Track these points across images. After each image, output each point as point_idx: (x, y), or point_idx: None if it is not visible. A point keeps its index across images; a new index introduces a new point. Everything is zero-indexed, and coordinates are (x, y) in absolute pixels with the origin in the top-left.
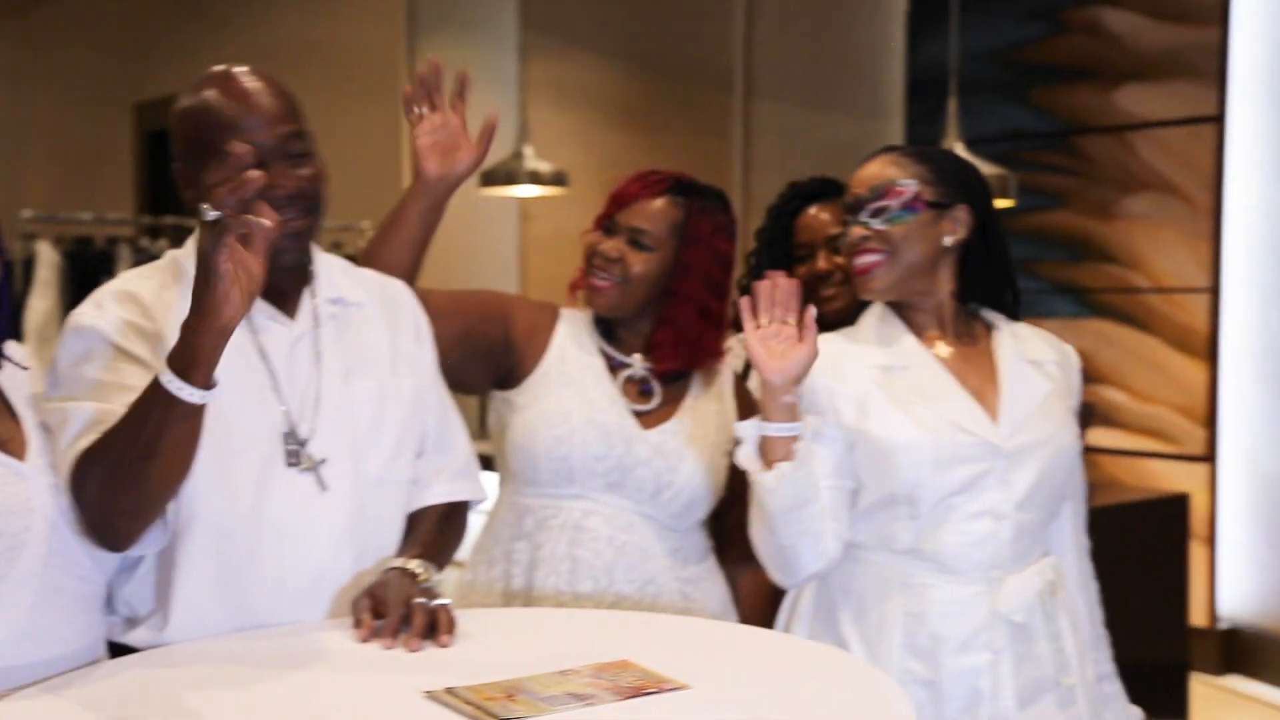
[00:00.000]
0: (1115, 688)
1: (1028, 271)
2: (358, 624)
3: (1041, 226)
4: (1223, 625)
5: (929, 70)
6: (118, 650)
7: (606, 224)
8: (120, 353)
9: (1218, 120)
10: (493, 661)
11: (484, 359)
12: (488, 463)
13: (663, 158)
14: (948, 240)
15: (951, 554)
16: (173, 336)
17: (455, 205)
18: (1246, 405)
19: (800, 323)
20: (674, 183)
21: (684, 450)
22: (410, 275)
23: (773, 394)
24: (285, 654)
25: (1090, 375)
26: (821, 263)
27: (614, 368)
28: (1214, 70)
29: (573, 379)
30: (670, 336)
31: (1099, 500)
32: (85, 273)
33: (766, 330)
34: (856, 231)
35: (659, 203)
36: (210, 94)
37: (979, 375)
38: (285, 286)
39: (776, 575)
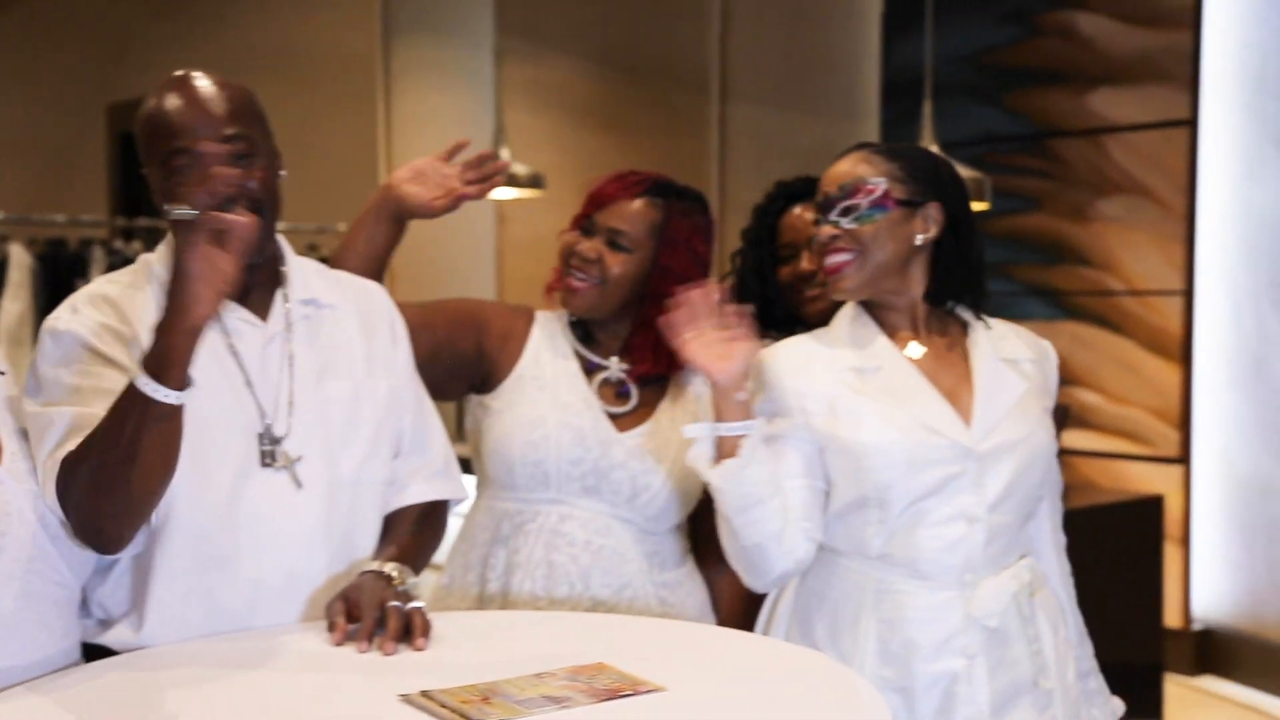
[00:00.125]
0: (1098, 683)
1: (1002, 274)
2: (332, 627)
3: (1016, 229)
4: (1197, 626)
5: (904, 73)
6: (91, 652)
7: (584, 224)
8: (97, 356)
9: (1190, 124)
10: (468, 664)
11: (457, 370)
12: (465, 466)
13: (639, 160)
14: (919, 239)
15: (924, 559)
16: (147, 339)
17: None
18: (1220, 407)
19: (733, 322)
20: (652, 184)
21: (661, 453)
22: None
23: (724, 394)
24: (263, 657)
25: (1065, 377)
26: (805, 263)
27: (590, 370)
28: (1186, 74)
29: (547, 383)
30: (650, 340)
31: (1074, 502)
32: (58, 275)
33: (703, 337)
34: (826, 231)
35: (638, 204)
36: (159, 99)
37: (952, 375)
38: (257, 288)
39: (746, 578)
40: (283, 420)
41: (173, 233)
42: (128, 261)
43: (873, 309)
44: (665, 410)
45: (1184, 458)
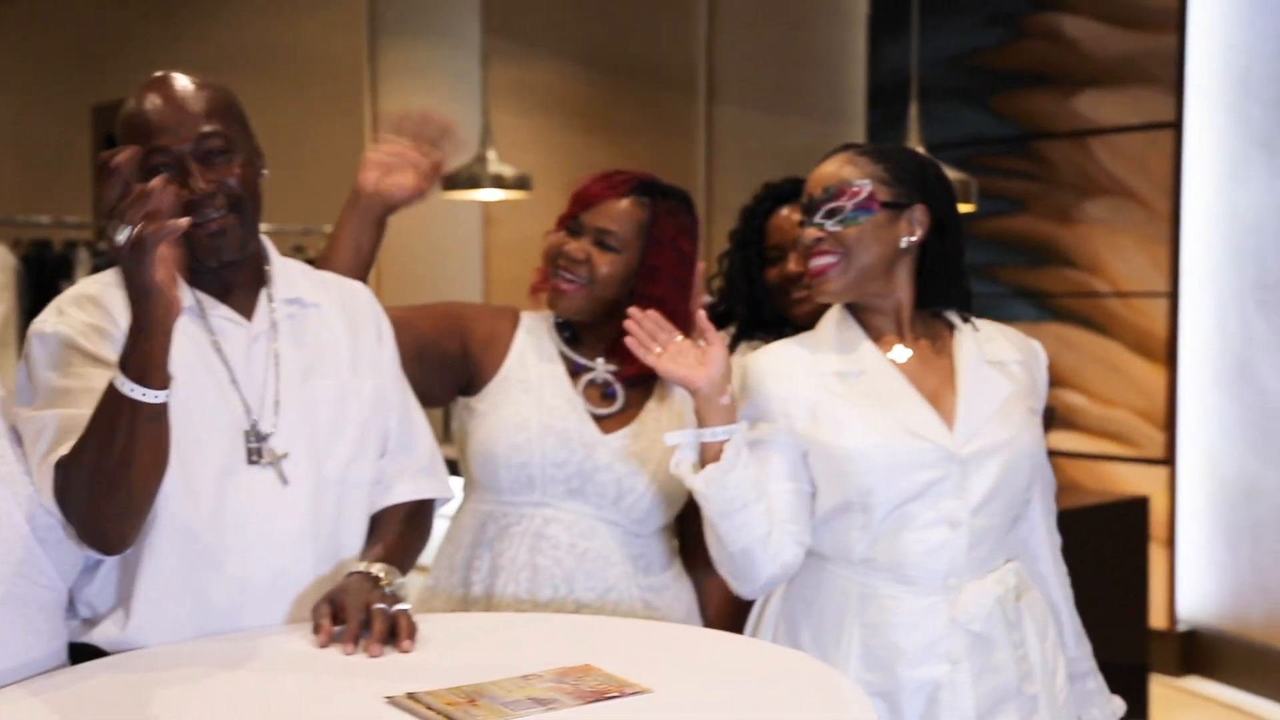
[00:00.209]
0: (1098, 683)
1: (988, 276)
2: (317, 629)
3: (1002, 231)
4: (1182, 627)
5: (890, 75)
6: (77, 651)
7: (570, 225)
8: (85, 356)
9: (1175, 126)
10: (455, 666)
11: (443, 373)
12: (452, 468)
13: (626, 161)
14: (904, 241)
15: (907, 563)
16: None
17: (418, 209)
18: (1205, 408)
19: (692, 333)
20: (639, 183)
21: (646, 455)
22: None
23: (707, 400)
24: (251, 658)
25: (1051, 379)
26: (793, 264)
27: (576, 372)
28: (1171, 77)
29: (532, 385)
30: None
31: (1059, 503)
32: (43, 276)
33: (667, 352)
34: (810, 233)
35: (625, 203)
36: (137, 100)
37: (937, 378)
38: (241, 288)
39: (734, 584)
40: (269, 418)
41: (118, 253)
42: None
43: (858, 312)
44: (651, 412)
45: (1169, 459)
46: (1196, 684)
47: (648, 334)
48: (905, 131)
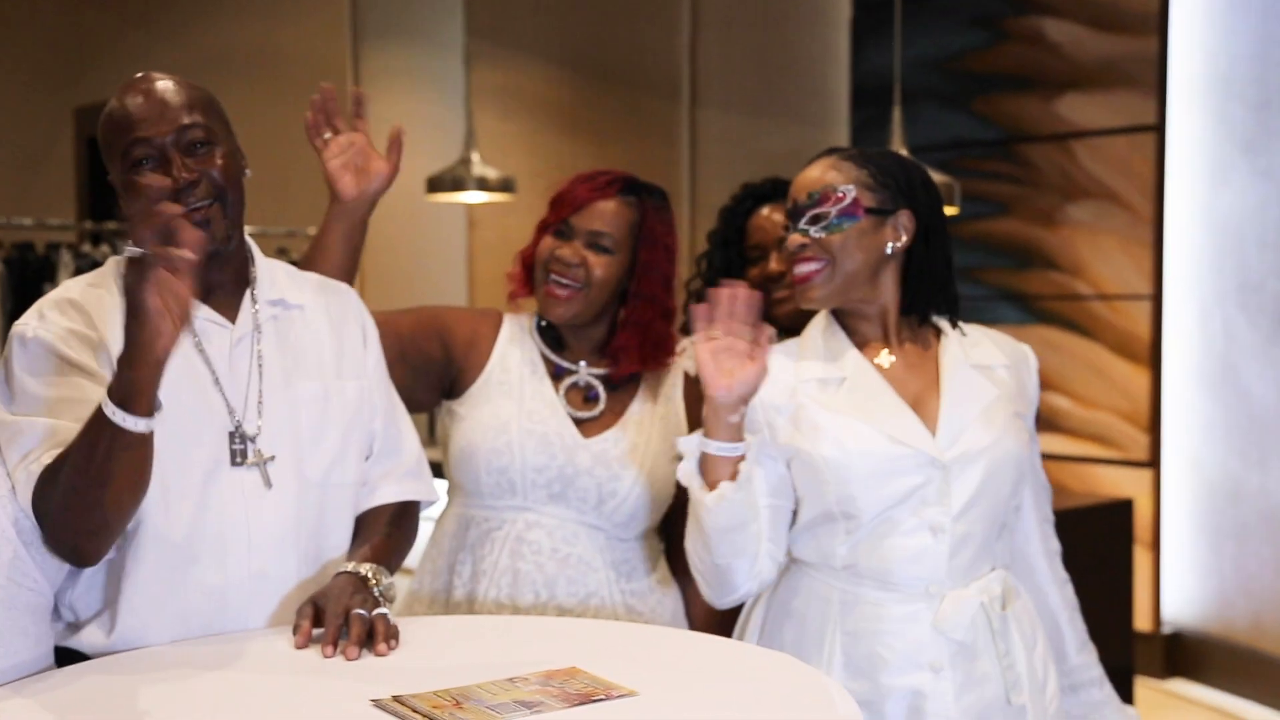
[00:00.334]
0: (1105, 693)
1: (972, 279)
2: (296, 630)
3: (985, 234)
4: (1166, 629)
5: (873, 78)
6: (59, 655)
7: (559, 229)
8: (65, 363)
9: (1157, 129)
10: (441, 669)
11: (425, 377)
12: (437, 470)
13: (610, 164)
14: (890, 247)
15: (889, 569)
16: (115, 344)
17: (403, 212)
18: (1188, 411)
19: (754, 338)
20: (624, 183)
21: (627, 458)
22: None
23: (718, 412)
24: (238, 660)
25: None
26: (773, 264)
27: (558, 375)
28: (1153, 80)
29: (513, 388)
30: (635, 339)
31: None
32: (25, 279)
33: (718, 344)
34: (795, 239)
35: (614, 204)
36: (117, 98)
37: (921, 383)
38: (224, 289)
39: (708, 593)
40: (252, 420)
41: (125, 268)
42: (95, 265)
43: (844, 317)
44: (634, 415)
45: (1153, 461)
46: (1181, 686)
47: (727, 310)
48: (888, 134)
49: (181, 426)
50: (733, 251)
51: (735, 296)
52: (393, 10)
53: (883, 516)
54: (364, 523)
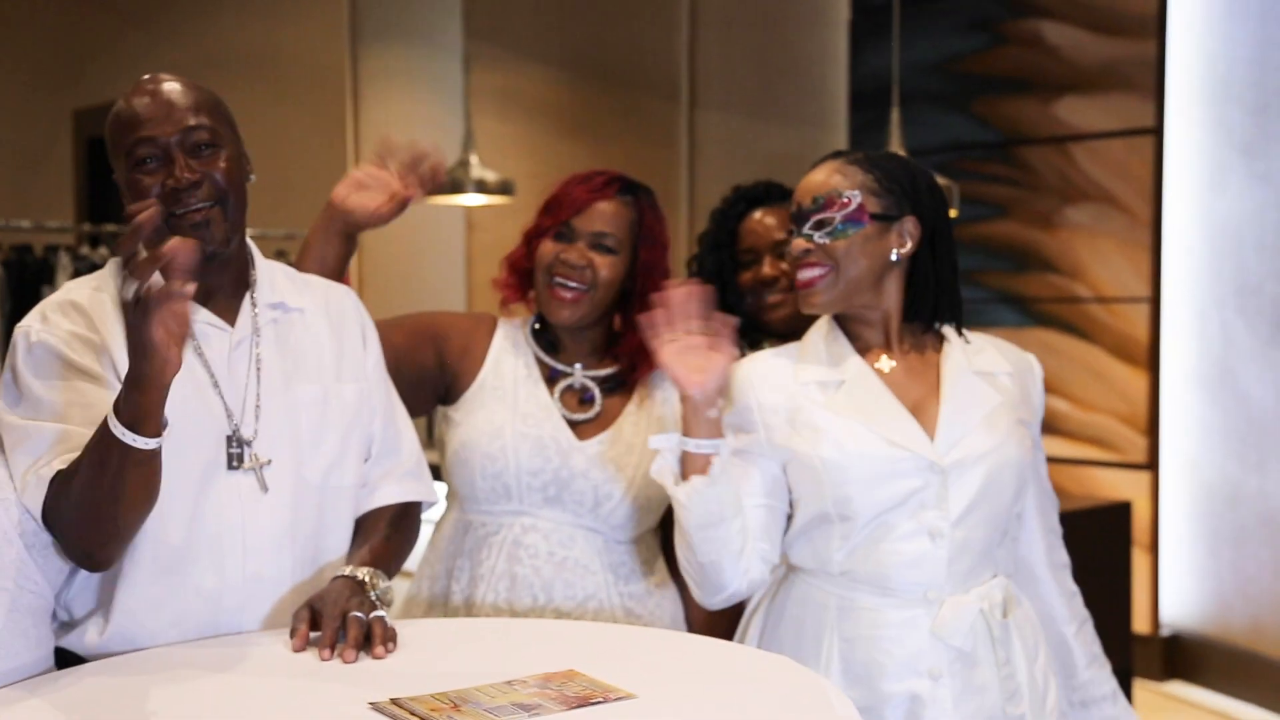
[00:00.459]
0: (1120, 708)
1: (971, 281)
2: (293, 634)
3: (984, 236)
4: (1165, 632)
5: (872, 81)
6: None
7: (561, 231)
8: (70, 367)
9: (1156, 132)
10: (439, 672)
11: (419, 385)
12: (436, 473)
13: (609, 166)
14: (894, 254)
15: (887, 574)
16: (116, 346)
17: (402, 214)
18: (1186, 413)
19: (713, 331)
20: (621, 183)
21: (623, 460)
22: None
23: (697, 410)
24: (236, 663)
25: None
26: (767, 268)
27: (553, 378)
28: (1151, 83)
29: (507, 393)
30: (639, 339)
31: None
32: (24, 281)
33: (679, 344)
34: (799, 244)
35: (614, 204)
36: (125, 98)
37: (921, 389)
38: (224, 292)
39: (698, 594)
40: (250, 423)
41: (125, 309)
42: (94, 267)
43: (845, 322)
44: (630, 416)
45: (1151, 464)
46: (1179, 689)
47: (671, 315)
48: (887, 137)
49: (179, 430)
50: (724, 255)
51: (689, 294)
52: (392, 12)
53: (879, 520)
54: (363, 525)
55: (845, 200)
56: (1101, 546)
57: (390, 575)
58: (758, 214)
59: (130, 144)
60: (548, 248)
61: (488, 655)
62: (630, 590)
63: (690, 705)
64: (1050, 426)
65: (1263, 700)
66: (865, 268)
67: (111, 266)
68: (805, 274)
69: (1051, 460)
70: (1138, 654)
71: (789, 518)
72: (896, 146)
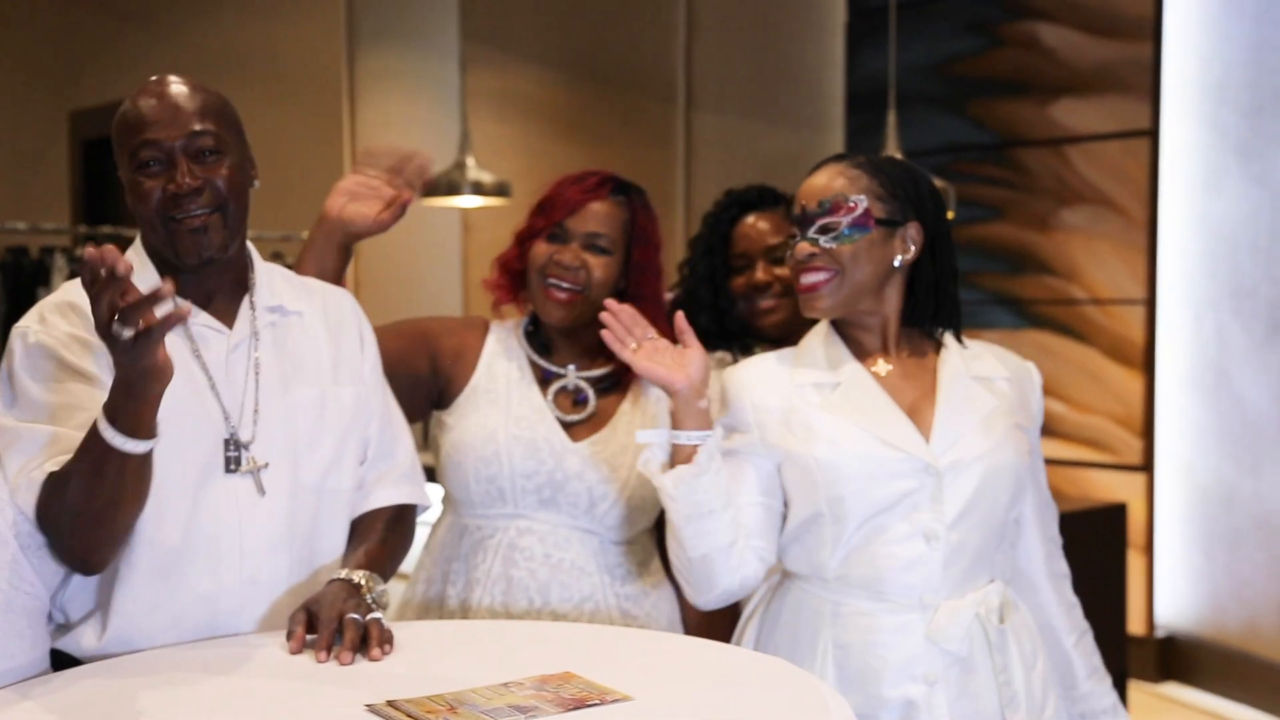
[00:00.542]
0: None
1: (967, 283)
2: (290, 636)
3: (980, 238)
4: (1160, 633)
5: (868, 83)
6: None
7: (554, 232)
8: (67, 369)
9: (1151, 134)
10: (435, 674)
11: (412, 391)
12: (431, 475)
13: (606, 168)
14: (898, 260)
15: (882, 579)
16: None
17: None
18: (1182, 415)
19: (671, 334)
20: (614, 183)
21: (618, 460)
22: None
23: (686, 402)
24: (233, 665)
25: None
26: (760, 273)
27: (546, 380)
28: (1147, 85)
29: (500, 396)
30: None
31: None
32: (20, 283)
33: (645, 349)
34: (804, 248)
35: (608, 204)
36: (130, 100)
37: (917, 391)
38: (223, 295)
39: (690, 594)
40: (248, 426)
41: (115, 351)
42: None
43: (843, 327)
44: (624, 416)
45: (1147, 465)
46: (1174, 690)
47: (624, 328)
48: (883, 139)
49: (176, 432)
50: (717, 259)
51: (626, 311)
52: (388, 13)
53: (872, 522)
54: (359, 527)
55: (852, 205)
56: (1097, 548)
57: (386, 578)
58: (750, 218)
59: (134, 145)
60: (541, 249)
61: (484, 657)
62: (627, 591)
63: (686, 707)
64: (1046, 428)
65: (1257, 702)
66: (869, 273)
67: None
68: (809, 278)
69: (1047, 462)
70: (1133, 655)
71: (783, 520)
72: (893, 148)
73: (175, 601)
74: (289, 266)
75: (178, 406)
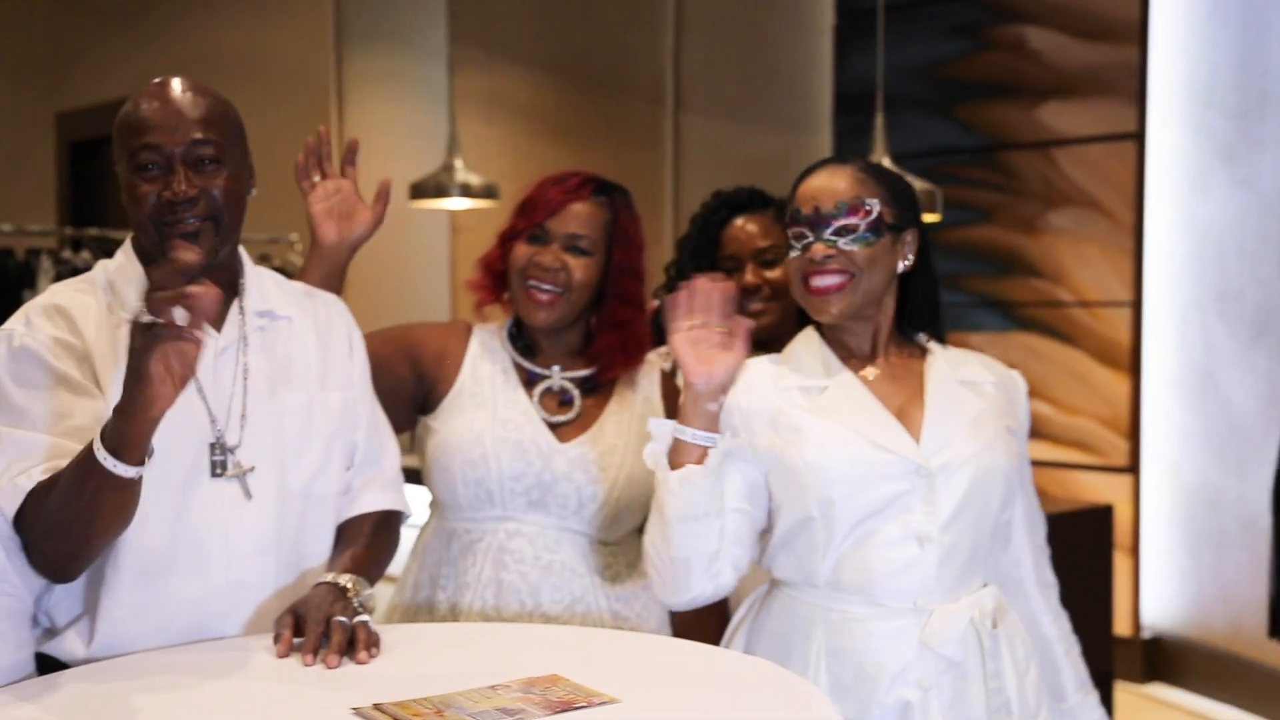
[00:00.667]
0: None
1: (954, 286)
2: (277, 639)
3: (967, 241)
4: (1146, 634)
5: (856, 85)
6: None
7: (535, 233)
8: (51, 374)
9: (1138, 137)
10: (422, 676)
11: (396, 398)
12: (415, 477)
13: (594, 169)
14: (901, 266)
15: (875, 583)
16: (98, 353)
17: (386, 218)
18: (1168, 417)
19: (730, 330)
20: (596, 183)
21: (605, 460)
22: None
23: (696, 399)
24: (219, 668)
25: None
26: (749, 276)
27: (531, 381)
28: (1133, 88)
29: (485, 398)
30: (616, 340)
31: None
32: (5, 285)
33: (694, 334)
34: (820, 249)
35: (589, 205)
36: (137, 99)
37: (905, 395)
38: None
39: (662, 591)
40: (235, 430)
41: (133, 331)
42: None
43: (832, 331)
44: (611, 417)
45: (1133, 467)
46: (1160, 690)
47: (693, 304)
48: (871, 141)
49: (163, 436)
50: (705, 261)
51: (714, 288)
52: (376, 15)
53: (863, 525)
54: (345, 532)
55: (868, 209)
56: (1083, 549)
57: (372, 582)
58: (740, 221)
59: (134, 147)
60: (522, 250)
61: (471, 660)
62: (618, 592)
63: (673, 710)
64: (1033, 430)
65: (1242, 702)
66: (880, 279)
67: (99, 270)
68: (825, 280)
69: (1034, 464)
70: (1119, 656)
71: (770, 529)
72: (881, 151)
73: (162, 605)
74: (277, 269)
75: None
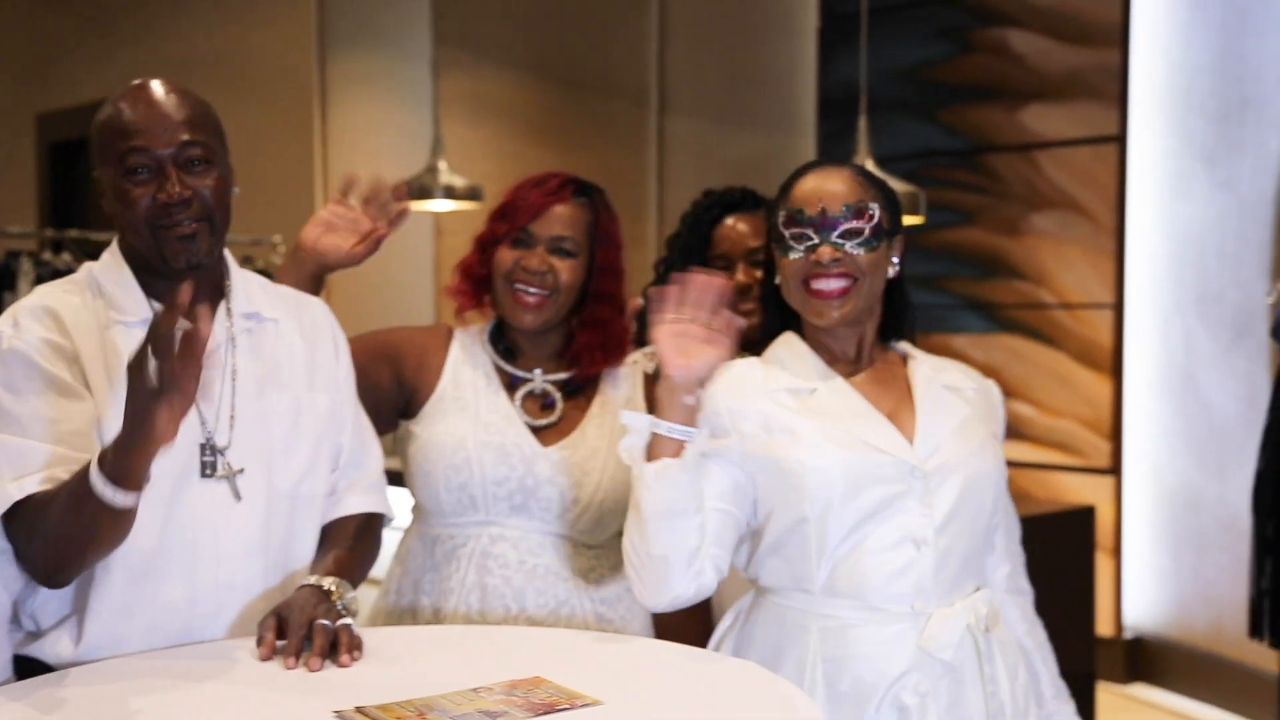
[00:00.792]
0: None
1: (937, 288)
2: (260, 642)
3: (950, 243)
4: (1128, 635)
5: (840, 88)
6: (17, 663)
7: (519, 237)
8: (41, 378)
9: (1119, 140)
10: (405, 679)
11: (376, 403)
12: (397, 479)
13: (577, 172)
14: (892, 271)
15: (872, 588)
16: (88, 356)
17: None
18: (1149, 419)
19: (717, 326)
20: (575, 184)
21: (589, 463)
22: None
23: (673, 392)
24: (201, 672)
25: (1000, 390)
26: (740, 276)
27: (513, 385)
28: (1115, 91)
29: (467, 402)
30: (596, 339)
31: None
32: None
33: (678, 327)
34: (828, 252)
35: (571, 207)
36: (119, 102)
37: (893, 398)
38: (199, 300)
39: (642, 592)
40: (224, 432)
41: (130, 372)
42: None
43: (815, 334)
44: (593, 420)
45: (1115, 469)
46: (1142, 691)
47: (681, 297)
48: (855, 144)
49: None
50: (695, 260)
51: (710, 284)
52: (360, 17)
53: (858, 528)
54: (329, 534)
55: (871, 213)
56: (1065, 550)
57: (355, 585)
58: (731, 220)
59: (122, 150)
60: (506, 255)
61: (454, 663)
62: (602, 595)
63: (656, 711)
64: (1015, 431)
65: (1223, 702)
66: (879, 284)
67: (85, 271)
68: (830, 284)
69: (1016, 465)
70: (1101, 656)
71: (755, 535)
72: (864, 154)
73: (151, 606)
74: (261, 271)
75: None
